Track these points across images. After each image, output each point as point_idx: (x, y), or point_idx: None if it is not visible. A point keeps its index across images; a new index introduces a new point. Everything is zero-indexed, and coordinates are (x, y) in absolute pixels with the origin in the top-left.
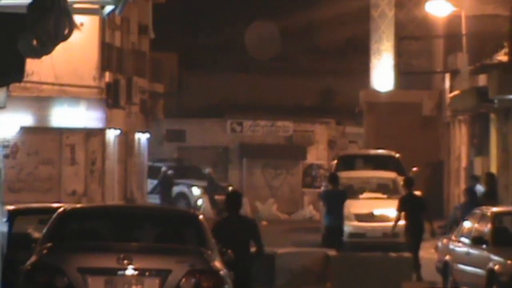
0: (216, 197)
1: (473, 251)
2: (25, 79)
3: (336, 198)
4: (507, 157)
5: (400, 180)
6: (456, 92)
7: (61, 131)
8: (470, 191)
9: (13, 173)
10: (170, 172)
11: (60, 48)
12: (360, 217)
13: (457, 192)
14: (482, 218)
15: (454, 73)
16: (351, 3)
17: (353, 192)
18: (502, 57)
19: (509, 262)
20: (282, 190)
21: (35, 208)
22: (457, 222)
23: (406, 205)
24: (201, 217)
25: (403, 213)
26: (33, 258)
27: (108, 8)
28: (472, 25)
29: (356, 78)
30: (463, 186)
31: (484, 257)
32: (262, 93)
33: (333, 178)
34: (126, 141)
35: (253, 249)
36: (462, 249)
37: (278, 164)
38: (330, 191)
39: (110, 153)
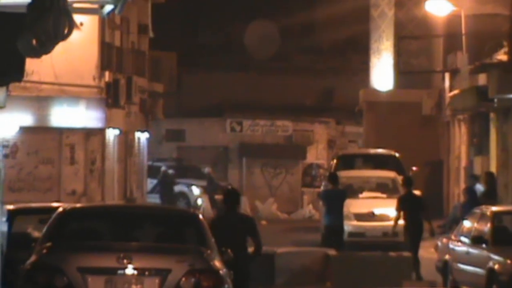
0: (216, 196)
1: (473, 250)
2: (24, 78)
3: (335, 197)
4: (506, 156)
5: (400, 179)
6: (455, 92)
7: (60, 131)
8: (469, 191)
9: (13, 173)
10: (171, 171)
11: (60, 47)
12: (359, 217)
13: (456, 192)
14: (482, 217)
15: (454, 73)
16: (350, 2)
17: (353, 191)
18: (501, 56)
19: (508, 261)
20: (282, 190)
21: (35, 207)
22: (457, 221)
23: (405, 205)
24: (200, 216)
25: (402, 213)
26: (32, 258)
27: (108, 8)
28: (472, 24)
29: (355, 78)
30: (462, 185)
31: (484, 257)
32: (261, 93)
33: (332, 178)
34: (125, 140)
35: (251, 249)
36: (462, 248)
37: (278, 164)
38: (330, 191)
39: (109, 152)
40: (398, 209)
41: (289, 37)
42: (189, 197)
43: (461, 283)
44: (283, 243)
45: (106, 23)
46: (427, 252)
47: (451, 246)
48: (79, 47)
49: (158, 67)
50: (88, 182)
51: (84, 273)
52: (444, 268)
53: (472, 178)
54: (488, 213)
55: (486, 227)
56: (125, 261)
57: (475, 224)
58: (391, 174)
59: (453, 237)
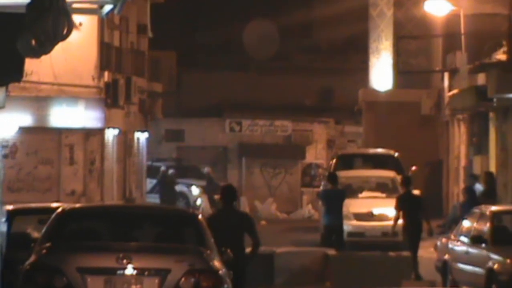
0: (215, 196)
1: (472, 250)
2: (24, 79)
3: (335, 197)
4: (506, 156)
5: (399, 179)
6: (455, 91)
7: (60, 131)
8: (469, 190)
9: (12, 173)
10: (171, 171)
11: (59, 47)
12: (359, 216)
13: (456, 191)
14: (481, 217)
15: (453, 72)
16: (349, 2)
17: (352, 191)
18: (501, 56)
19: (508, 261)
20: (281, 190)
21: (34, 208)
22: (456, 221)
23: (404, 204)
24: (200, 216)
25: (401, 212)
26: (32, 258)
27: (107, 8)
28: (471, 24)
29: (355, 77)
30: (462, 185)
31: (483, 256)
32: (261, 93)
33: (332, 177)
34: (125, 140)
35: (248, 250)
36: (461, 248)
37: (277, 164)
38: (329, 190)
39: (109, 152)
40: (397, 208)
41: (288, 37)
42: (189, 197)
43: (461, 283)
44: (283, 243)
45: (105, 23)
46: (426, 251)
47: (450, 245)
48: (78, 47)
49: (157, 67)
50: (87, 182)
51: (83, 273)
52: (444, 267)
53: (472, 177)
54: (488, 212)
55: (486, 226)
56: (124, 261)
57: (475, 224)
58: (390, 174)
59: (452, 236)
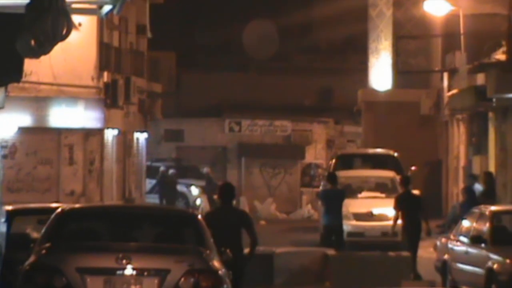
0: (215, 196)
1: (471, 250)
2: (23, 79)
3: (334, 197)
4: (505, 155)
5: (398, 179)
6: (454, 91)
7: (59, 131)
8: (468, 190)
9: (11, 173)
10: (172, 171)
11: (58, 48)
12: (358, 216)
13: (455, 191)
14: (481, 217)
15: (452, 72)
16: (349, 2)
17: (352, 191)
18: (500, 55)
19: (508, 261)
20: (281, 190)
21: (34, 208)
22: (456, 221)
23: (403, 204)
24: (199, 216)
25: (400, 212)
26: (31, 258)
27: (106, 8)
28: (470, 24)
29: (354, 77)
30: (461, 185)
31: (483, 256)
32: (260, 93)
33: (331, 177)
34: (124, 141)
35: (246, 250)
36: (461, 248)
37: (277, 164)
38: (329, 190)
39: (108, 153)
40: (396, 208)
41: (288, 37)
42: (188, 197)
43: (460, 283)
44: (282, 243)
45: (104, 24)
46: (426, 251)
47: (450, 245)
48: (77, 47)
49: (157, 67)
50: (86, 183)
51: (83, 274)
52: (443, 267)
53: (471, 177)
54: (487, 212)
55: (485, 226)
56: (124, 261)
57: (474, 224)
58: (390, 173)
59: (452, 236)
